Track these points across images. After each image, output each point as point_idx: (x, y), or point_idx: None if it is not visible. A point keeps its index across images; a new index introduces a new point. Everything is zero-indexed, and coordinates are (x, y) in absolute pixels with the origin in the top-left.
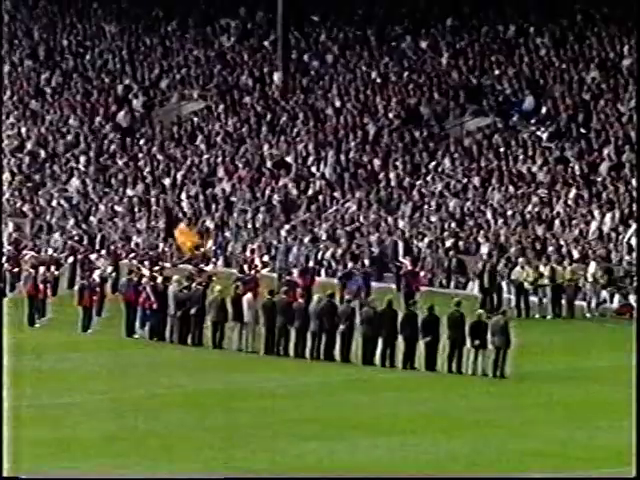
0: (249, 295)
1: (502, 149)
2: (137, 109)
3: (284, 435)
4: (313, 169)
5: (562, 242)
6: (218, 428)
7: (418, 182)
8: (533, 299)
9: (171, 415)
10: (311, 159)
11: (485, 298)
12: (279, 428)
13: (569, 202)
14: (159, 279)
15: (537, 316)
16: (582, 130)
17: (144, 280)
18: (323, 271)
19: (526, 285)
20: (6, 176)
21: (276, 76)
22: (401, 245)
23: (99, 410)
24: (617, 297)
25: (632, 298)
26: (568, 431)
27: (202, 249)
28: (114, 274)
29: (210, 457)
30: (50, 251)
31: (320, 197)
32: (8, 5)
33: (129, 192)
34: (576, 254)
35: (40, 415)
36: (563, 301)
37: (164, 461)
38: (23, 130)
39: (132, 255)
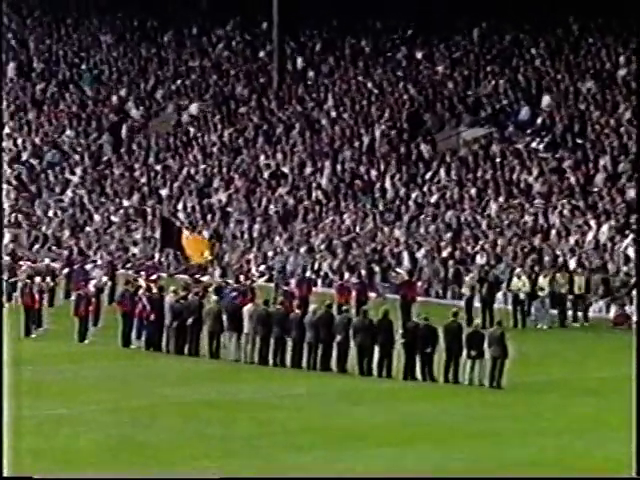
0: (250, 306)
1: (498, 160)
2: (134, 119)
3: (281, 445)
4: (309, 179)
5: (558, 252)
6: (215, 438)
7: (414, 193)
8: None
9: (168, 425)
10: (307, 169)
11: (483, 309)
12: (276, 438)
13: (565, 212)
14: (155, 289)
15: (538, 326)
16: (578, 140)
17: (140, 291)
18: (320, 281)
19: (521, 295)
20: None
21: (193, 107)
22: (406, 255)
23: (96, 420)
24: (614, 307)
25: (628, 308)
26: (565, 441)
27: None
28: (110, 284)
29: (207, 467)
30: (47, 261)
31: (317, 207)
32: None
33: (125, 202)
34: (572, 264)
35: (37, 425)
36: (555, 311)
37: (161, 471)
38: (19, 141)
39: (128, 265)
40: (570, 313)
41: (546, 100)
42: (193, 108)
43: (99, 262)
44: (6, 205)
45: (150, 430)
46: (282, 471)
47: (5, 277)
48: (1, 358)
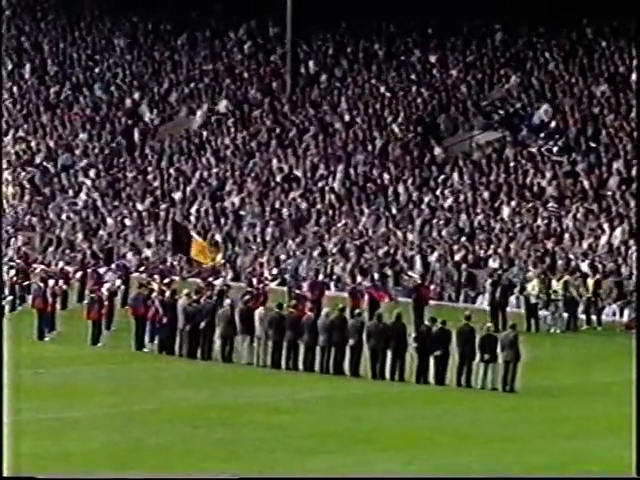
0: (261, 309)
1: (511, 163)
2: (147, 122)
3: (292, 449)
4: (322, 183)
5: (571, 256)
6: (226, 442)
7: (427, 196)
8: (544, 313)
9: (180, 429)
10: (320, 173)
11: (493, 312)
12: (288, 442)
13: (579, 216)
14: (168, 293)
15: (551, 330)
16: (591, 144)
17: (153, 294)
18: (332, 285)
19: (532, 299)
20: (16, 189)
21: (222, 104)
22: (418, 259)
23: (107, 423)
24: (627, 311)
25: None
26: (577, 445)
27: (215, 260)
28: (123, 287)
29: (217, 471)
30: (60, 264)
31: (329, 211)
32: (17, 18)
33: (139, 206)
34: (585, 268)
35: (48, 428)
36: (566, 314)
37: (170, 474)
38: (33, 143)
39: (142, 269)
40: (584, 317)
41: (544, 108)
42: (222, 106)
43: (112, 265)
44: (19, 208)
45: (161, 433)
46: (293, 474)
47: (19, 280)
48: (1, 362)
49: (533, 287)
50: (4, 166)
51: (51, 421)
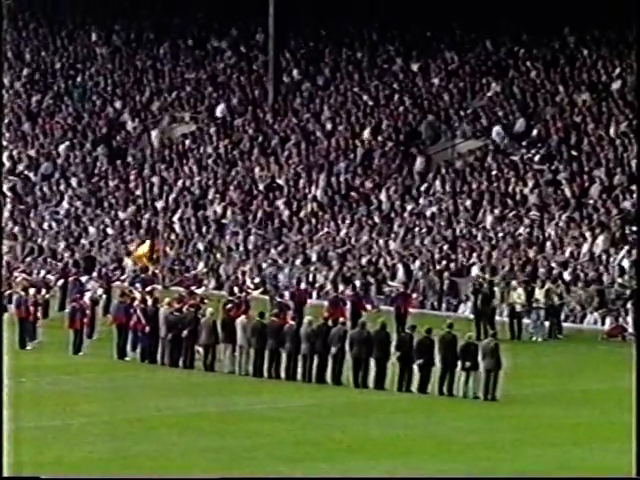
0: (243, 318)
1: (493, 172)
2: (128, 131)
3: (275, 457)
4: (305, 191)
5: (553, 264)
6: (210, 450)
7: (410, 205)
8: (526, 321)
9: (163, 438)
10: (302, 181)
11: (478, 320)
12: (271, 450)
13: (560, 224)
14: (150, 301)
15: (533, 338)
16: (573, 152)
17: (135, 303)
18: (315, 293)
19: (518, 307)
20: None
21: (219, 108)
22: (401, 267)
23: (90, 432)
24: (608, 319)
25: (622, 320)
26: (560, 453)
27: (152, 263)
28: (105, 296)
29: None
30: (42, 273)
31: (312, 219)
32: None
33: (121, 215)
34: (567, 276)
35: (31, 438)
36: (547, 322)
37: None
38: (15, 152)
39: (123, 277)
40: (564, 325)
41: (496, 130)
42: (219, 110)
43: (94, 274)
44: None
45: (145, 442)
46: None
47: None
48: (1, 368)
49: (519, 295)
50: None
51: (34, 430)
